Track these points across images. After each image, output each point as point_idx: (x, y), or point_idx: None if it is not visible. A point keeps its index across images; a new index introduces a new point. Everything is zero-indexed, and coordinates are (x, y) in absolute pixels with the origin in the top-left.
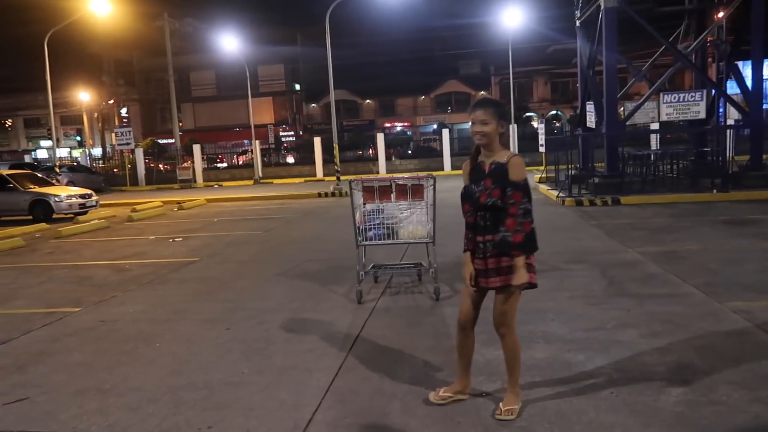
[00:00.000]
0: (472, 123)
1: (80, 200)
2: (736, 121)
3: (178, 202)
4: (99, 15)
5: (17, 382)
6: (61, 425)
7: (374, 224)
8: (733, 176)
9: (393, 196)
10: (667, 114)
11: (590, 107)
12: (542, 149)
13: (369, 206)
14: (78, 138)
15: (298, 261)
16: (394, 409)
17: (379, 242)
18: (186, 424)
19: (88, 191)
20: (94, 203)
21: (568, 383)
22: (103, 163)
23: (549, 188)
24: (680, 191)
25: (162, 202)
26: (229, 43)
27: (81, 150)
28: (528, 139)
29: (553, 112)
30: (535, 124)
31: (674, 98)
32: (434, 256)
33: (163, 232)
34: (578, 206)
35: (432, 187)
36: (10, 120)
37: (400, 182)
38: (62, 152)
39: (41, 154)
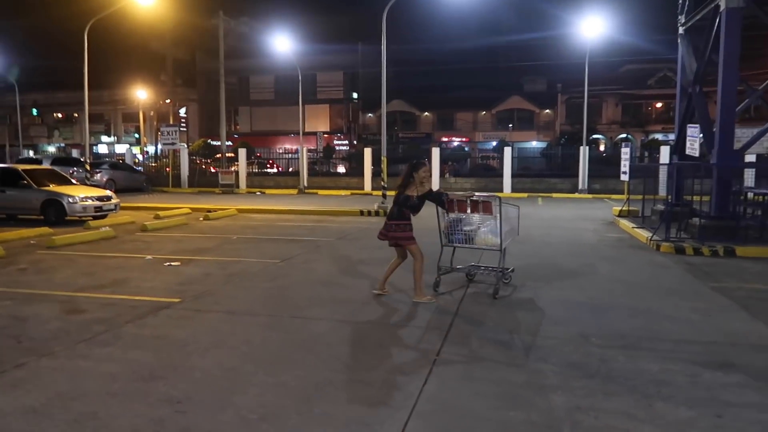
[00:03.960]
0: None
1: (97, 202)
2: None
3: (208, 210)
4: (148, 6)
5: None
6: None
7: (457, 230)
8: None
9: (468, 209)
10: None
11: (692, 131)
12: (625, 177)
13: (452, 215)
14: (136, 135)
15: (308, 316)
16: None
17: (460, 245)
18: None
19: (108, 193)
20: (113, 206)
21: None
22: (156, 161)
23: (634, 226)
24: None
25: (190, 209)
26: (287, 47)
27: (138, 147)
28: (596, 162)
29: (623, 135)
30: (602, 147)
31: None
32: (503, 261)
33: (167, 251)
34: (678, 254)
35: (498, 206)
36: (75, 113)
37: (474, 199)
38: (121, 148)
39: (102, 149)
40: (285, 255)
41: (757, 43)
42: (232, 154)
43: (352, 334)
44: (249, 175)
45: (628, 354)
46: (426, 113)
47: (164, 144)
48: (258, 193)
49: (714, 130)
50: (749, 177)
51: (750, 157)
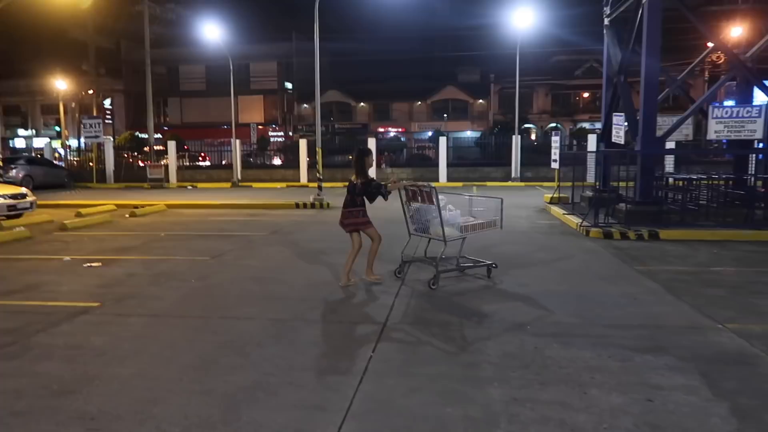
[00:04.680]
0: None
1: (10, 201)
2: None
3: (134, 206)
4: None
5: None
6: None
7: (416, 219)
8: None
9: (419, 198)
10: (716, 131)
11: (618, 120)
12: (555, 165)
13: (415, 205)
14: (57, 128)
15: (238, 315)
16: None
17: (416, 234)
18: None
19: (23, 190)
20: (28, 205)
21: None
22: (79, 156)
23: (565, 212)
24: (730, 226)
25: (115, 205)
26: (218, 35)
27: (60, 141)
28: (527, 151)
29: (553, 124)
30: (533, 136)
31: (726, 113)
32: (443, 251)
33: (87, 251)
34: (607, 239)
35: (435, 196)
36: None
37: (422, 188)
38: (40, 142)
39: (19, 143)
40: (216, 252)
41: (678, 35)
42: (162, 147)
43: (284, 333)
44: (179, 168)
45: (562, 341)
46: (362, 103)
47: (87, 137)
48: (189, 187)
49: (638, 118)
50: (669, 163)
51: (670, 144)
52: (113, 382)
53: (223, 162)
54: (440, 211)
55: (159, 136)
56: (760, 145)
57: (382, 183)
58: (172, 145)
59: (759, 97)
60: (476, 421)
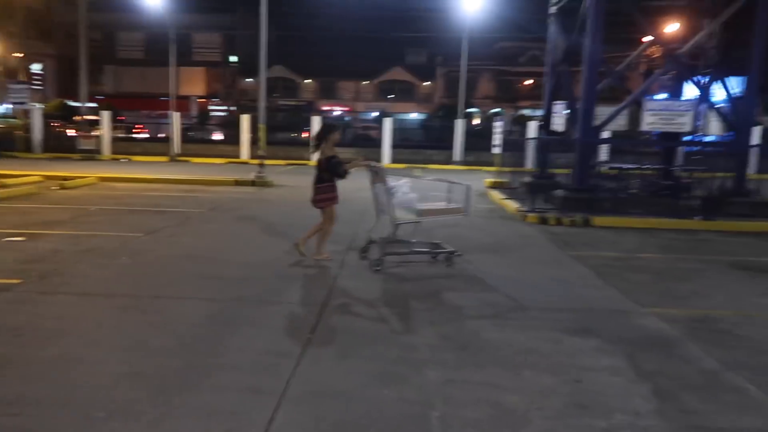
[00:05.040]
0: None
1: None
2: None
3: (64, 178)
4: None
5: None
6: None
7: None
8: (715, 201)
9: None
10: (649, 123)
11: (558, 108)
12: (497, 150)
13: (376, 186)
14: None
15: (172, 295)
16: None
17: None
18: None
19: None
20: None
21: None
22: (4, 123)
23: (504, 197)
24: (657, 214)
25: (43, 176)
26: (159, 2)
27: None
28: (470, 135)
29: (496, 109)
30: (476, 120)
31: (659, 106)
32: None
33: (10, 224)
34: (543, 224)
35: (383, 175)
36: None
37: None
38: None
39: None
40: (150, 228)
41: (619, 28)
42: (95, 117)
43: (221, 313)
44: (114, 140)
45: (498, 324)
46: (308, 80)
47: (12, 103)
48: (124, 160)
49: (578, 107)
50: (605, 152)
51: (605, 134)
52: (33, 364)
53: (161, 135)
54: (388, 192)
55: (93, 105)
56: (688, 138)
57: (343, 162)
58: (106, 114)
59: (689, 92)
60: (412, 403)
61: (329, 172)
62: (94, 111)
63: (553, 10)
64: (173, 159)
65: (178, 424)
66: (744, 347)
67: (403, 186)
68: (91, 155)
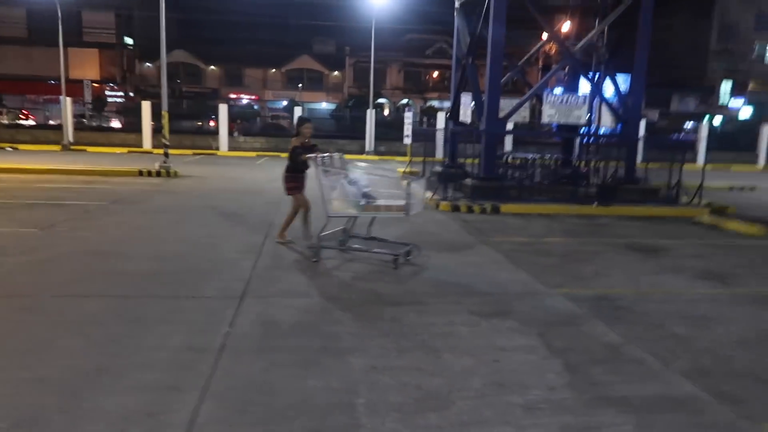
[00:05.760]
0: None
1: None
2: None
3: None
4: None
5: None
6: None
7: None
8: (609, 188)
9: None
10: (549, 116)
11: (465, 99)
12: (408, 140)
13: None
14: None
15: (76, 293)
16: None
17: None
18: None
19: None
20: None
21: None
22: None
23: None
24: (560, 201)
25: None
26: None
27: None
28: (381, 125)
29: (405, 101)
30: (386, 111)
31: (557, 99)
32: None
33: None
34: (455, 212)
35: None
36: None
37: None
38: None
39: None
40: (45, 223)
41: (522, 24)
42: None
43: (131, 310)
44: None
45: (417, 310)
46: (212, 67)
47: None
48: (8, 148)
49: (483, 99)
50: (508, 143)
51: (509, 126)
52: None
53: (51, 122)
54: (321, 181)
55: None
56: (584, 129)
57: (302, 153)
58: None
59: (584, 86)
60: (337, 391)
61: (293, 162)
62: None
63: (458, 3)
64: (66, 147)
65: (91, 429)
66: (642, 322)
67: (362, 179)
68: None
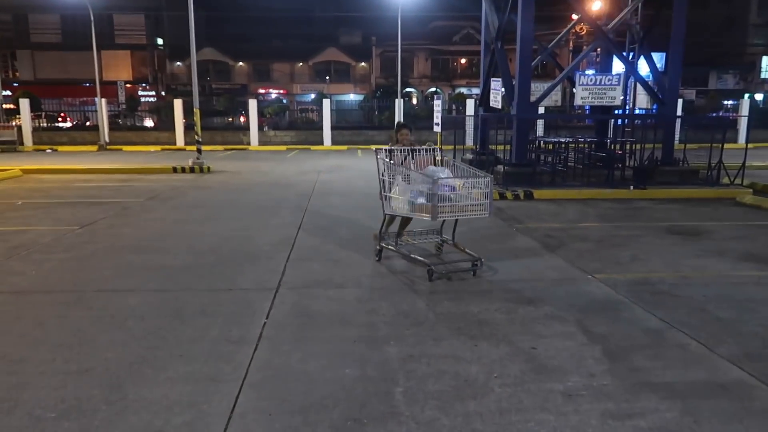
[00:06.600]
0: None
1: None
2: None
3: None
4: None
5: None
6: None
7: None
8: (646, 170)
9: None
10: (582, 98)
11: (495, 85)
12: (437, 128)
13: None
14: None
15: (116, 288)
16: None
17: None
18: None
19: None
20: None
21: None
22: None
23: None
24: (594, 186)
25: None
26: None
27: None
28: (410, 115)
29: (433, 89)
30: (415, 100)
31: (590, 81)
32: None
33: None
34: None
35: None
36: None
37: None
38: None
39: None
40: (85, 220)
41: (548, 6)
42: (13, 106)
43: (170, 303)
44: (36, 130)
45: (452, 298)
46: (241, 63)
47: None
48: (48, 150)
49: (514, 84)
50: (540, 127)
51: (540, 110)
52: None
53: (88, 123)
54: (380, 176)
55: (8, 93)
56: (619, 111)
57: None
58: (24, 103)
59: (617, 67)
60: (375, 380)
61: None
62: (11, 100)
63: None
64: (102, 147)
65: (136, 419)
66: (683, 306)
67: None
68: (12, 146)
